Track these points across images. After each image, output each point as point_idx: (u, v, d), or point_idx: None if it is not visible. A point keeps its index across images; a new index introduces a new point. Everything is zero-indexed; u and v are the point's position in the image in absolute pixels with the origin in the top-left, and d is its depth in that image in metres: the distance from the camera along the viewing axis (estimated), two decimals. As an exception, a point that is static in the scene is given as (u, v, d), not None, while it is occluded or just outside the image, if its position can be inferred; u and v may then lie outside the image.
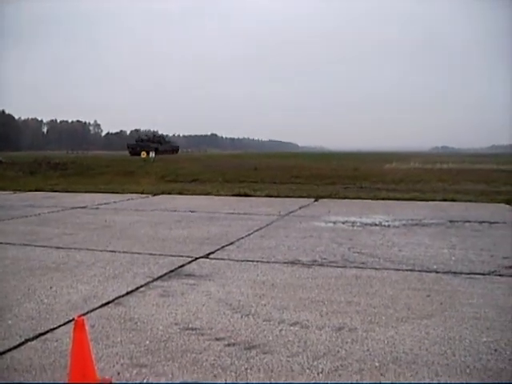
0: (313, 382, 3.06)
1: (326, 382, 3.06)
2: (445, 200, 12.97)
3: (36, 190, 16.67)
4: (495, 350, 3.46)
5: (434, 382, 3.04)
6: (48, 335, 3.82)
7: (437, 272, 5.61)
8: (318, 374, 3.14)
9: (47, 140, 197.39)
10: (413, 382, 3.05)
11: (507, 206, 11.91)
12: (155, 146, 73.95)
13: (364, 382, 3.07)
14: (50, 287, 5.09)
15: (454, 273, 5.57)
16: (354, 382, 3.06)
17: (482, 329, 3.88)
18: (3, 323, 4.08)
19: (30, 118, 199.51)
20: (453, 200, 12.96)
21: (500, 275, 5.47)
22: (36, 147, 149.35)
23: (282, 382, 3.06)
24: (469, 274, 5.53)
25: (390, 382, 3.06)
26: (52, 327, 3.97)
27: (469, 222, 9.25)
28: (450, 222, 9.27)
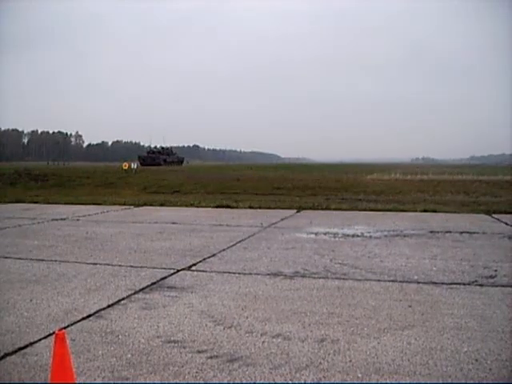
0: (310, 382, 3.06)
1: (326, 382, 3.07)
2: (425, 211, 13.08)
3: (16, 202, 16.54)
4: (476, 360, 3.49)
5: (429, 382, 3.07)
6: (28, 349, 3.77)
7: (418, 282, 5.65)
8: (300, 385, 3.14)
9: (28, 151, 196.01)
10: (413, 381, 3.08)
11: (487, 216, 12.04)
12: (164, 157, 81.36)
13: (364, 382, 3.08)
14: (30, 300, 5.03)
15: (435, 283, 5.61)
16: (355, 382, 3.08)
17: (463, 339, 3.91)
18: (-18, 337, 4.02)
19: (11, 128, 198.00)
20: (433, 211, 13.08)
21: (480, 285, 5.52)
22: (16, 158, 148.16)
23: (280, 382, 3.06)
24: (450, 284, 5.57)
25: (390, 381, 3.07)
26: (32, 341, 3.92)
27: (449, 232, 9.34)
28: (431, 232, 9.35)
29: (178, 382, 3.13)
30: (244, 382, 3.19)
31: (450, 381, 3.18)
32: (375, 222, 10.99)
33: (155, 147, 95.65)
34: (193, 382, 3.20)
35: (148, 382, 3.20)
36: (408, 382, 3.13)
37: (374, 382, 3.17)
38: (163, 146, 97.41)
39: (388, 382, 3.16)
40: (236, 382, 3.19)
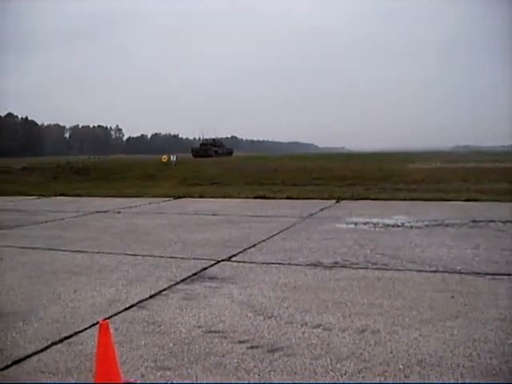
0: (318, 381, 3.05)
1: (330, 382, 3.06)
2: (468, 200, 12.81)
3: (59, 195, 16.88)
4: (521, 352, 3.42)
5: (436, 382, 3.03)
6: (73, 338, 3.86)
7: (460, 273, 5.55)
8: (341, 375, 3.13)
9: (69, 145, 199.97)
10: (413, 382, 3.04)
11: (531, 205, 11.73)
12: (215, 149, 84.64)
13: (364, 382, 3.06)
14: (75, 291, 5.15)
15: (478, 273, 5.51)
16: (356, 382, 3.06)
17: (507, 330, 3.83)
18: (29, 326, 4.14)
19: (53, 123, 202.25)
20: (475, 200, 12.80)
21: (525, 276, 5.40)
22: (58, 152, 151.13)
23: (321, 372, 3.07)
24: (493, 274, 5.46)
25: (391, 382, 3.05)
26: (77, 330, 4.02)
27: (492, 221, 9.14)
28: (473, 221, 9.17)
29: (191, 382, 3.16)
30: (285, 371, 3.20)
31: (494, 373, 3.13)
32: (416, 211, 10.83)
33: (206, 139, 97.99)
34: (202, 382, 3.23)
35: (174, 382, 3.23)
36: (412, 382, 3.08)
37: (383, 381, 3.14)
38: (214, 138, 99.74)
39: (401, 382, 3.13)
40: (277, 371, 3.21)
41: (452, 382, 3.04)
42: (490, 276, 5.40)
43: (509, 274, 5.46)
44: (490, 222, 9.13)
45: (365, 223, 9.25)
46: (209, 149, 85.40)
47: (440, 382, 3.04)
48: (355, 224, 9.17)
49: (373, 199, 13.69)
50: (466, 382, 3.03)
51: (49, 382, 3.18)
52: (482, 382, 3.03)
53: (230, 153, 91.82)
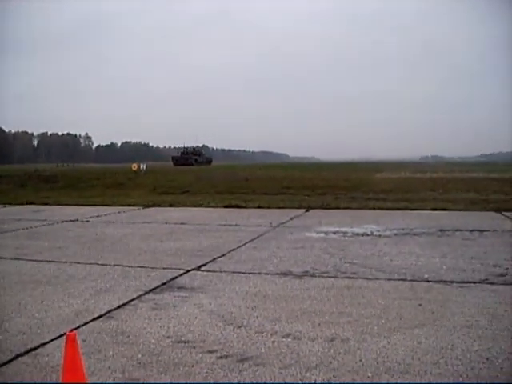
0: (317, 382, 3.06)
1: (329, 382, 3.07)
2: (435, 209, 13.01)
3: (26, 203, 16.60)
4: (487, 359, 3.47)
5: (433, 382, 3.06)
6: (39, 350, 3.79)
7: (428, 281, 5.63)
8: (310, 385, 3.14)
9: (37, 153, 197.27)
10: (414, 382, 3.06)
11: (497, 214, 11.98)
12: (196, 157, 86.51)
13: (364, 382, 3.08)
14: (41, 301, 5.06)
15: (446, 282, 5.59)
16: (355, 382, 3.08)
17: (473, 337, 3.89)
18: (-6, 338, 4.05)
19: (21, 130, 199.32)
20: (443, 209, 13.01)
21: (491, 283, 5.50)
22: (26, 160, 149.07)
23: (291, 382, 3.06)
24: (460, 282, 5.55)
25: (391, 382, 3.07)
26: (43, 342, 3.95)
27: (459, 230, 9.29)
28: (441, 230, 9.31)
29: (188, 382, 3.14)
30: (254, 381, 3.19)
31: (461, 380, 3.17)
32: (385, 220, 10.95)
33: (186, 148, 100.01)
34: (203, 382, 3.21)
35: (158, 382, 3.21)
36: (418, 382, 3.12)
37: (384, 381, 3.16)
38: (194, 146, 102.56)
39: (398, 381, 3.15)
40: (246, 381, 3.20)
41: (452, 381, 3.07)
42: (457, 284, 5.48)
43: (475, 282, 5.55)
44: (457, 230, 9.28)
45: (334, 232, 9.31)
46: (189, 157, 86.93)
47: (440, 381, 3.07)
48: (325, 233, 9.23)
49: (342, 208, 13.82)
50: (466, 381, 3.07)
51: (49, 382, 3.14)
52: (482, 382, 3.07)
53: (209, 161, 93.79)
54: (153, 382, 3.23)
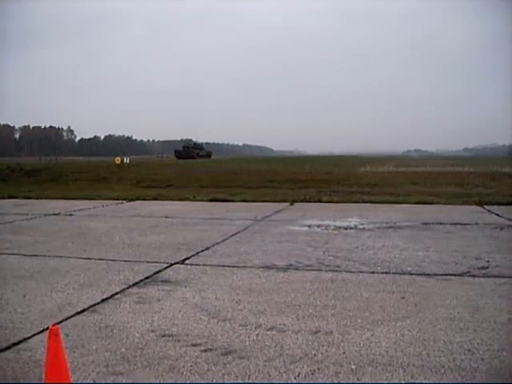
0: (312, 382, 3.07)
1: (326, 382, 3.08)
2: (418, 203, 13.13)
3: (9, 198, 16.43)
4: (469, 350, 3.52)
5: (431, 382, 3.08)
6: (22, 345, 3.76)
7: (411, 274, 5.67)
8: (294, 377, 3.15)
9: (20, 146, 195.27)
10: (414, 382, 3.08)
11: (479, 207, 12.10)
12: (197, 151, 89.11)
13: (364, 382, 3.10)
14: (24, 296, 5.02)
15: (428, 274, 5.64)
16: (356, 382, 3.09)
17: (455, 329, 3.93)
18: (-25, 333, 4.01)
19: (2, 123, 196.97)
20: (426, 202, 13.13)
21: (473, 276, 5.56)
22: (8, 154, 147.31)
23: (275, 374, 3.07)
24: (443, 275, 5.60)
25: (391, 382, 3.09)
26: (26, 336, 3.91)
27: (442, 224, 9.38)
28: (424, 224, 9.38)
29: (184, 382, 3.13)
30: (239, 374, 3.20)
31: (442, 371, 3.20)
32: (368, 214, 11.02)
33: (188, 142, 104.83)
34: (190, 382, 3.21)
35: (147, 382, 3.20)
36: (418, 382, 3.13)
37: (383, 380, 3.18)
38: (195, 141, 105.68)
39: (398, 382, 3.18)
40: (231, 374, 3.20)
41: (452, 381, 3.09)
42: (439, 276, 5.53)
43: (457, 275, 5.60)
44: (440, 224, 9.36)
45: (318, 225, 9.34)
46: (191, 151, 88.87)
47: (441, 382, 3.10)
48: (309, 226, 9.26)
49: (325, 202, 13.88)
50: (466, 382, 3.09)
51: (33, 382, 3.12)
52: (482, 382, 3.10)
53: (209, 155, 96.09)
54: (137, 376, 3.22)
